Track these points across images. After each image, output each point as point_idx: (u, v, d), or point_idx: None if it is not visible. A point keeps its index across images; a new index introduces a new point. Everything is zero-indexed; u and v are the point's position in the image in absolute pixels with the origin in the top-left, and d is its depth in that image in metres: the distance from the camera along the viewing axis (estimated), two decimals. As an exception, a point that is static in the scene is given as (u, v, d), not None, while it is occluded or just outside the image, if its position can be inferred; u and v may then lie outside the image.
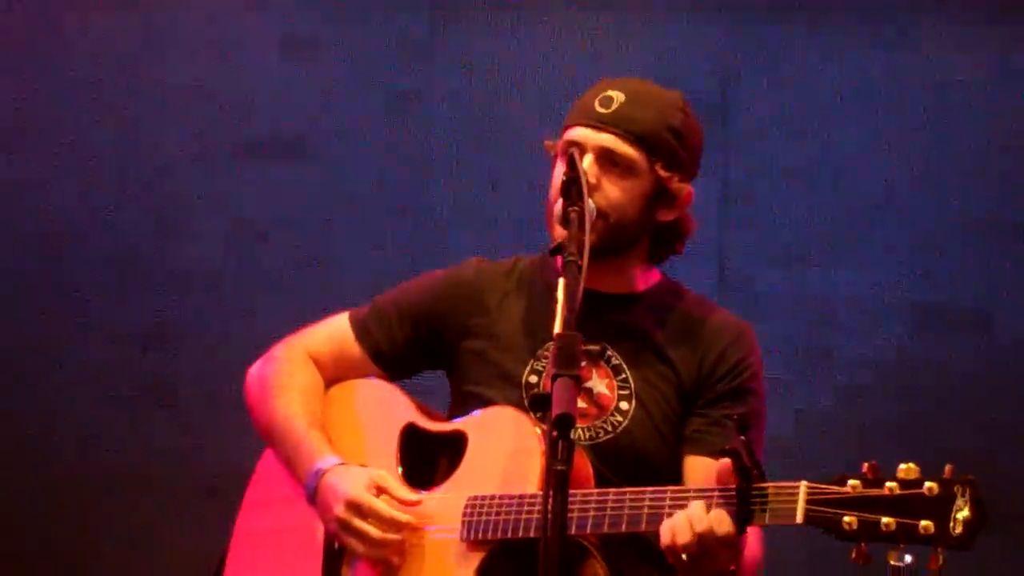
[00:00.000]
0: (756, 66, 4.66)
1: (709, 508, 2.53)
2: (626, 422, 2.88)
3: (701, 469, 2.83)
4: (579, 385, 2.37)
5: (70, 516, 4.58)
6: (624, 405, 2.89)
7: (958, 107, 4.60)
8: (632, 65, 4.61)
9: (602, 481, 2.82)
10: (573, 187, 2.65)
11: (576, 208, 2.62)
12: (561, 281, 2.50)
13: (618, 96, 2.89)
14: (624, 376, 2.91)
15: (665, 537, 2.55)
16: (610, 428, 2.89)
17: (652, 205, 2.91)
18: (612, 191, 2.85)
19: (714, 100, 4.64)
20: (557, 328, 2.43)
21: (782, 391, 4.46)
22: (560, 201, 2.70)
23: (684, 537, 2.52)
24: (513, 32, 4.73)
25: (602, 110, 2.87)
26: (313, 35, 4.75)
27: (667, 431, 2.90)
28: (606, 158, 2.85)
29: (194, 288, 4.66)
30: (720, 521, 2.51)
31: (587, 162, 2.83)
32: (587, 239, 2.56)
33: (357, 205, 4.69)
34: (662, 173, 2.89)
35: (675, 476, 2.89)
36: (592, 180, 2.81)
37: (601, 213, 2.82)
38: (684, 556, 2.53)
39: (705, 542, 2.51)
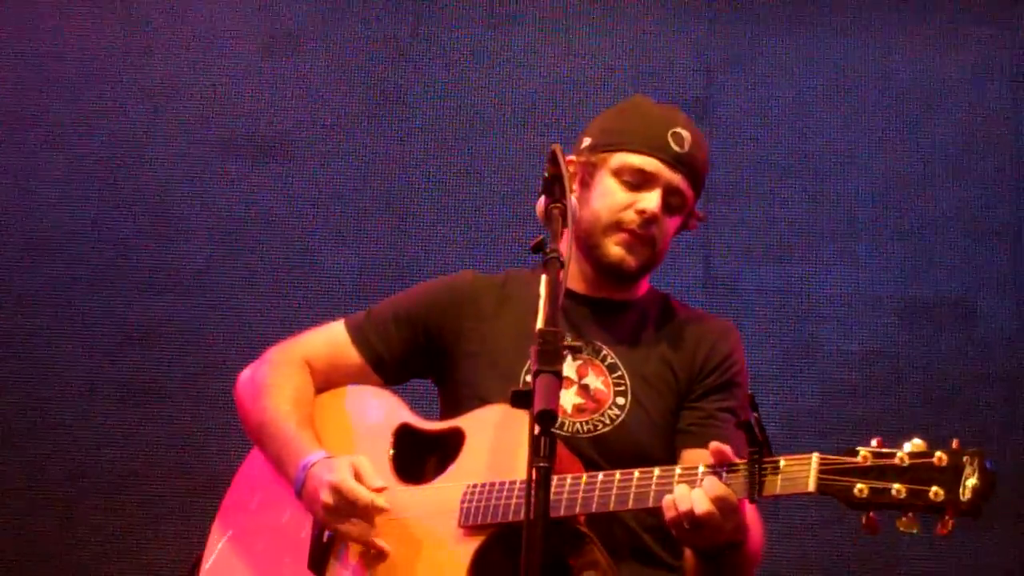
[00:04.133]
0: (739, 62, 4.67)
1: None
2: (623, 415, 2.93)
3: (696, 461, 2.82)
4: (561, 381, 2.38)
5: (55, 514, 4.56)
6: (620, 400, 2.94)
7: (941, 104, 4.62)
8: (616, 62, 4.62)
9: None
10: (556, 184, 2.67)
11: (559, 205, 2.64)
12: (543, 278, 2.52)
13: (687, 136, 2.99)
14: (620, 374, 2.96)
15: (668, 509, 2.57)
16: (608, 421, 2.92)
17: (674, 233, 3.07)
18: (667, 225, 2.99)
19: (697, 96, 4.65)
20: (539, 324, 2.44)
21: (768, 387, 4.47)
22: (543, 198, 2.70)
23: (684, 504, 2.54)
24: (495, 30, 4.72)
25: (677, 148, 2.97)
26: (296, 34, 4.75)
27: (663, 425, 2.95)
28: (669, 195, 2.96)
29: (179, 286, 4.65)
30: (715, 486, 2.54)
31: (656, 198, 2.94)
32: (571, 236, 2.58)
33: (340, 203, 4.68)
34: (696, 212, 3.06)
35: None
36: (656, 212, 2.94)
37: (651, 242, 2.96)
38: (687, 524, 2.55)
39: (721, 505, 2.53)
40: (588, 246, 2.97)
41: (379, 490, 2.81)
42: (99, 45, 4.74)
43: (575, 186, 2.99)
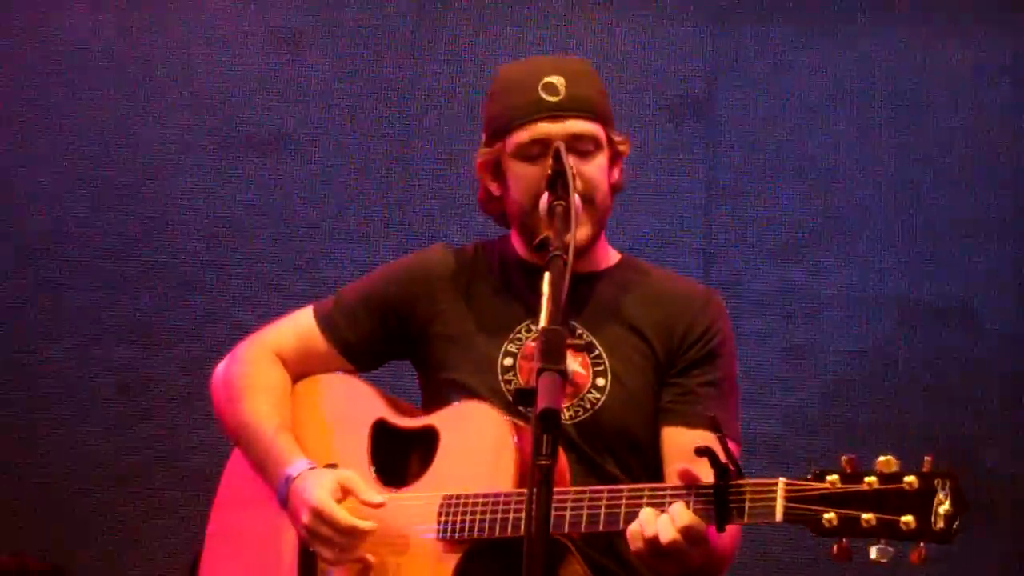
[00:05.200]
0: (741, 63, 4.66)
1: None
2: (603, 398, 2.88)
3: (676, 441, 2.83)
4: (565, 379, 2.36)
5: (49, 513, 4.55)
6: (600, 382, 2.89)
7: (943, 104, 4.60)
8: (618, 61, 4.61)
9: (586, 460, 2.82)
10: (559, 181, 2.66)
11: (562, 202, 2.62)
12: (546, 276, 2.49)
13: (559, 80, 2.86)
14: (597, 353, 2.90)
15: (634, 537, 2.54)
16: (588, 406, 2.88)
17: (609, 171, 2.93)
18: (588, 173, 2.85)
19: (700, 97, 4.64)
20: (542, 322, 2.42)
21: (769, 387, 4.46)
22: (545, 195, 2.70)
23: (650, 530, 2.50)
24: (498, 26, 4.72)
25: (552, 98, 2.85)
26: (298, 29, 4.74)
27: (645, 403, 2.89)
28: (573, 143, 2.84)
29: (178, 282, 4.65)
30: (681, 514, 2.49)
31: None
32: (574, 234, 2.55)
33: (341, 200, 4.68)
34: (615, 138, 2.92)
35: (656, 449, 2.88)
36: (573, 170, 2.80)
37: (587, 198, 2.83)
38: (651, 553, 2.51)
39: (687, 534, 2.49)
40: (529, 235, 2.86)
41: (379, 504, 2.78)
42: (100, 40, 4.74)
43: (493, 184, 2.94)
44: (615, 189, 2.96)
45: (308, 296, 4.45)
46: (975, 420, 4.47)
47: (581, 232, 2.78)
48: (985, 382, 4.50)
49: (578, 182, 2.78)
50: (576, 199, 2.65)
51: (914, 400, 4.49)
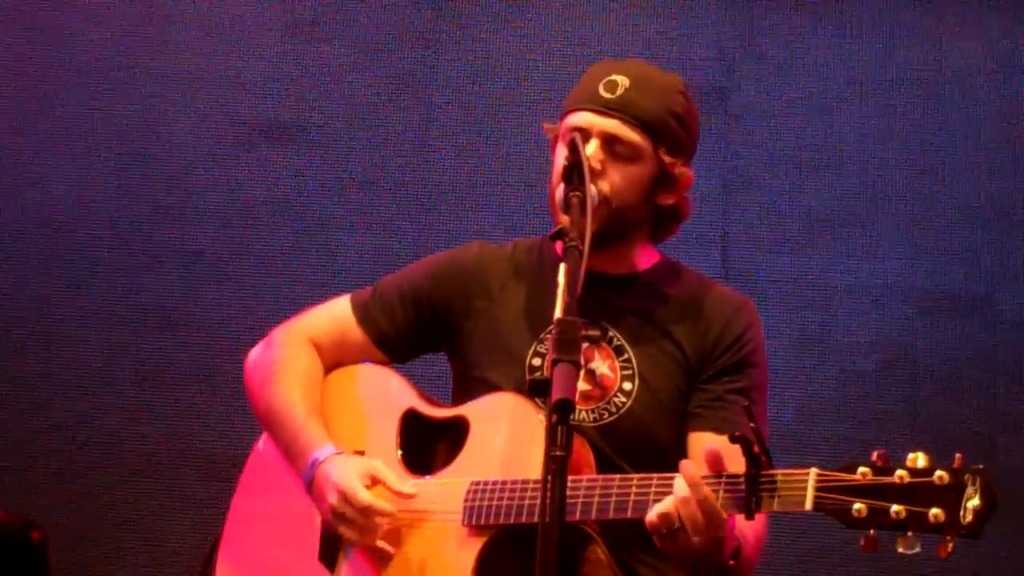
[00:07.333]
0: (759, 52, 4.65)
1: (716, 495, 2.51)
2: (630, 402, 2.88)
3: (703, 446, 2.77)
4: (579, 370, 2.35)
5: (68, 499, 4.57)
6: (627, 385, 2.89)
7: (960, 93, 4.60)
8: (635, 50, 4.61)
9: (607, 463, 2.82)
10: (575, 172, 2.66)
11: (577, 193, 2.62)
12: (562, 266, 2.50)
13: (623, 81, 2.88)
14: (627, 356, 2.91)
15: (652, 514, 2.54)
16: (614, 409, 2.88)
17: (654, 190, 2.91)
18: (616, 177, 2.85)
19: (717, 85, 4.64)
20: (558, 313, 2.42)
21: (784, 377, 4.46)
22: (562, 186, 2.70)
23: (682, 492, 2.50)
24: (515, 17, 4.72)
25: (607, 95, 2.87)
26: (315, 19, 4.75)
27: (672, 409, 2.89)
28: (611, 143, 2.85)
29: (195, 271, 4.66)
30: (696, 484, 2.49)
31: (592, 147, 2.83)
32: (588, 225, 2.56)
33: (358, 189, 4.69)
34: (665, 159, 2.90)
35: (682, 454, 2.86)
36: (596, 166, 2.82)
37: (604, 199, 2.83)
38: (664, 525, 2.51)
39: (692, 508, 2.49)
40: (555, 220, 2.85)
41: (410, 495, 2.80)
42: (119, 29, 4.75)
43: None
44: (668, 216, 2.96)
45: (326, 284, 4.50)
46: (990, 410, 4.47)
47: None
48: (1003, 374, 4.49)
49: (601, 181, 2.81)
50: (592, 190, 2.66)
51: (929, 391, 4.49)
